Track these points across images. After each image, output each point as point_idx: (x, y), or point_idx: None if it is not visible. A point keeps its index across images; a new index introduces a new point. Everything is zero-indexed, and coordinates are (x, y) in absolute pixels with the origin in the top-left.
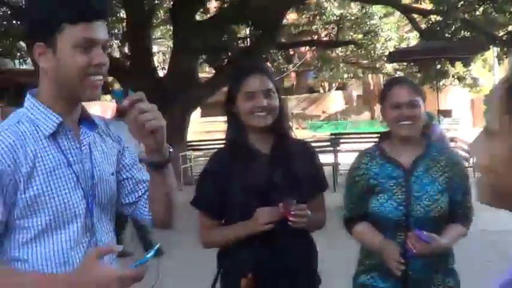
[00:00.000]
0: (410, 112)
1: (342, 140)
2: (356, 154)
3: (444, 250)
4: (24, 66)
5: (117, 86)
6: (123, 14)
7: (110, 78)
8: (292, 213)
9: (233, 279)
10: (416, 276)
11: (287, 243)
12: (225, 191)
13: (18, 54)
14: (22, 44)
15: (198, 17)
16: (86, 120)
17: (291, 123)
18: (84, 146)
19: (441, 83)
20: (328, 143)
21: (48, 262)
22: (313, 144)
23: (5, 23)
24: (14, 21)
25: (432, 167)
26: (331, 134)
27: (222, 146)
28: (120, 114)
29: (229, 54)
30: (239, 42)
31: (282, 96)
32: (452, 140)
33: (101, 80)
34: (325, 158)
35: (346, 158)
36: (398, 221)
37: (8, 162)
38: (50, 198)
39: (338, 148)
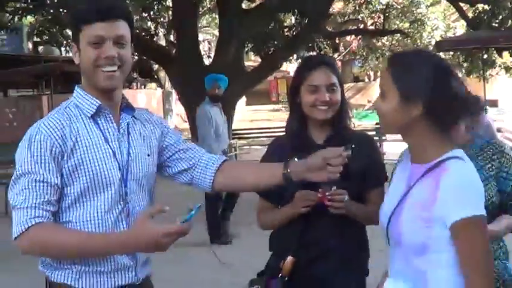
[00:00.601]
0: None
1: None
2: (401, 143)
3: (491, 238)
4: (70, 54)
5: (162, 74)
6: (169, 2)
7: (156, 66)
8: (328, 197)
9: (276, 261)
10: None
11: (329, 228)
12: None
13: (65, 42)
14: (69, 32)
15: (244, 6)
16: (127, 107)
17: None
18: (122, 128)
19: (488, 73)
20: (374, 133)
21: (87, 223)
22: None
23: (52, 11)
24: (61, 10)
25: (479, 155)
26: (377, 124)
27: (278, 134)
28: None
29: (276, 42)
30: (285, 30)
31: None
32: (499, 130)
33: (113, 70)
34: None
35: (392, 148)
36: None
37: (57, 137)
38: (88, 166)
39: (383, 138)
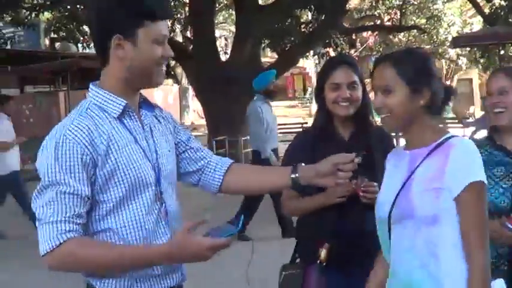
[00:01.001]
0: (498, 98)
1: None
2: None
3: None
4: (87, 51)
5: (179, 70)
6: None
7: (173, 63)
8: (363, 189)
9: (308, 247)
10: None
11: (362, 216)
12: None
13: (82, 38)
14: (86, 28)
15: (260, 2)
16: (145, 103)
17: None
18: (145, 125)
19: None
20: None
21: (128, 229)
22: None
23: (69, 7)
24: (78, 6)
25: None
26: None
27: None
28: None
29: (292, 39)
30: (302, 27)
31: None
32: None
33: (165, 69)
34: None
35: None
36: (503, 208)
37: (86, 143)
38: (125, 171)
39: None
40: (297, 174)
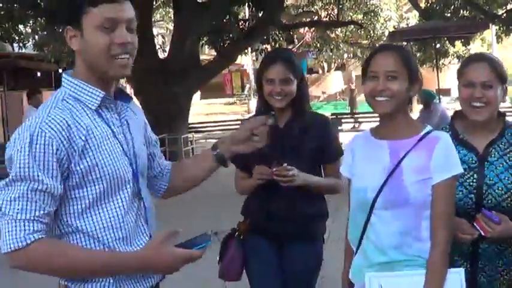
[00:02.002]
0: (482, 93)
1: (343, 120)
2: (356, 134)
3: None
4: (23, 50)
5: None
6: None
7: None
8: (274, 173)
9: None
10: (486, 259)
11: (286, 198)
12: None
13: (18, 38)
14: (22, 27)
15: None
16: (121, 94)
17: None
18: (122, 118)
19: (441, 62)
20: None
21: (106, 229)
22: None
23: (4, 6)
24: (16, 5)
25: (508, 153)
26: (332, 114)
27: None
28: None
29: (231, 35)
30: (240, 24)
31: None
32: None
33: (128, 58)
34: None
35: (347, 138)
36: (467, 209)
37: (62, 138)
38: (103, 167)
39: (340, 128)
40: (217, 150)
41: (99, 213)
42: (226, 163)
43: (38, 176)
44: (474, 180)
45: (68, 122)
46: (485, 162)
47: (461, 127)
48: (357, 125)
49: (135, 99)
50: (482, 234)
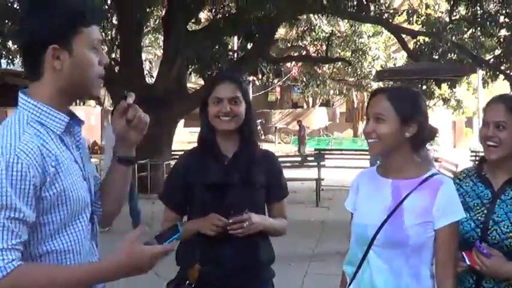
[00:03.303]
0: (494, 133)
1: (325, 156)
2: (339, 170)
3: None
4: (11, 67)
5: (102, 92)
6: (115, 20)
7: None
8: (228, 228)
9: (183, 272)
10: None
11: (235, 246)
12: (188, 187)
13: (6, 54)
14: (11, 44)
15: (189, 27)
16: (73, 118)
17: (274, 137)
18: (77, 141)
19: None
20: (312, 158)
21: (68, 252)
22: (297, 159)
23: None
24: (7, 21)
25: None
26: (316, 150)
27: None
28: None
29: (219, 65)
30: (230, 54)
31: (262, 109)
32: (436, 160)
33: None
34: (309, 173)
35: (330, 174)
36: (471, 243)
37: (37, 165)
38: (69, 193)
39: (322, 163)
40: (117, 154)
41: (64, 236)
42: (130, 162)
43: (16, 204)
44: (483, 215)
45: (40, 149)
46: (498, 200)
47: (487, 166)
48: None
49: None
50: (469, 264)
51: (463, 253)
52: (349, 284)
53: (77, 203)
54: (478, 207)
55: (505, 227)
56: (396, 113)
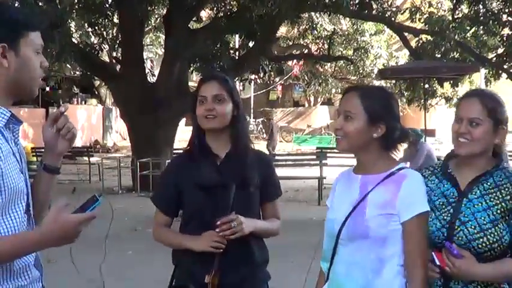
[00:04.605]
0: (467, 129)
1: (327, 155)
2: (341, 169)
3: (484, 279)
4: None
5: (103, 90)
6: (116, 18)
7: (97, 82)
8: (217, 230)
9: (190, 273)
10: None
11: (230, 246)
12: (180, 189)
13: None
14: None
15: (191, 26)
16: (13, 117)
17: (279, 136)
18: (16, 138)
19: (428, 103)
20: (314, 157)
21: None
22: (299, 158)
23: None
24: None
25: (491, 193)
26: (317, 148)
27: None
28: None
29: (221, 64)
30: (231, 52)
31: (258, 109)
32: (438, 158)
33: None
34: (310, 172)
35: (331, 173)
36: (437, 244)
37: None
38: (6, 179)
39: (324, 161)
40: (43, 163)
41: (0, 222)
42: (55, 170)
43: None
44: (449, 215)
45: None
46: (464, 199)
47: (454, 163)
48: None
49: (121, 122)
50: (438, 264)
51: (433, 253)
52: (326, 280)
53: (14, 190)
54: (443, 207)
55: (472, 227)
56: (365, 111)
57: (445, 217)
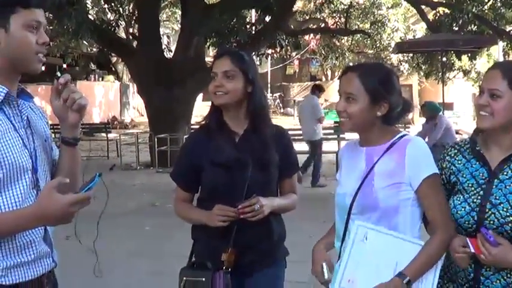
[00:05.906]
0: (487, 101)
1: None
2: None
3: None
4: None
5: (120, 67)
6: None
7: (114, 59)
8: (240, 211)
9: (206, 250)
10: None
11: (261, 224)
12: (198, 166)
13: None
14: None
15: (207, 1)
16: (23, 93)
17: (293, 110)
18: (23, 114)
19: (446, 76)
20: (332, 131)
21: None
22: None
23: None
24: None
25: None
26: (335, 123)
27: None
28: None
29: (238, 38)
30: (248, 27)
31: (277, 83)
32: (457, 132)
33: (44, 56)
34: (328, 146)
35: None
36: (468, 229)
37: None
38: (3, 156)
39: (342, 136)
40: (61, 135)
41: (1, 199)
42: (72, 143)
43: None
44: (479, 198)
45: None
46: (495, 180)
47: (481, 140)
48: None
49: (139, 98)
50: (473, 252)
51: (468, 240)
52: (338, 257)
53: (13, 167)
54: (472, 189)
55: (504, 210)
56: (366, 92)
57: (475, 200)
